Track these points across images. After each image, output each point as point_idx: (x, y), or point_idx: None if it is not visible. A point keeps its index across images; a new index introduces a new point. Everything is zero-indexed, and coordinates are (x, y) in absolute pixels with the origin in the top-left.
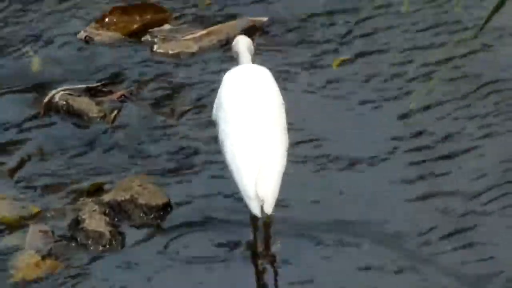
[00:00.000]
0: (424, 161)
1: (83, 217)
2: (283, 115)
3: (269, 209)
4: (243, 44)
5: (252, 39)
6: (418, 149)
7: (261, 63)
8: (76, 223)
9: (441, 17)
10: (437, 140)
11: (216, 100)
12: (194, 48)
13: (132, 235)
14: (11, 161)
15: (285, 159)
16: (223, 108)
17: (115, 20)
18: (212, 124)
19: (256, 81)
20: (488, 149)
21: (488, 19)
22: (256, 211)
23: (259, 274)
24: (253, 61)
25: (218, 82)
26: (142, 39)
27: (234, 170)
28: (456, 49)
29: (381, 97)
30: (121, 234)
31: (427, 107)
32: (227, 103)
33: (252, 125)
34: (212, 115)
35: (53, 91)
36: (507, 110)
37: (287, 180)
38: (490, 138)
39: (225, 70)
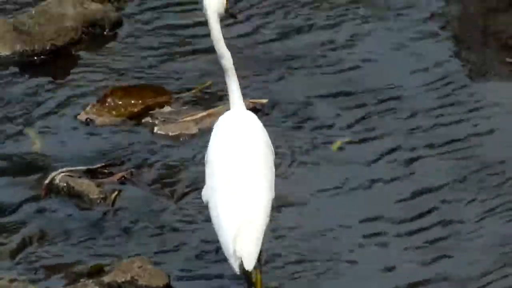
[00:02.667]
0: (423, 244)
1: None
2: (271, 166)
3: (248, 266)
4: (213, 7)
5: None
6: (417, 231)
7: None
8: None
9: (444, 99)
10: (436, 223)
11: (206, 154)
12: (194, 129)
13: None
14: (12, 243)
15: (268, 215)
16: (209, 162)
17: (115, 101)
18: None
19: (244, 132)
20: (487, 231)
21: None
22: (235, 268)
23: None
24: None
25: None
26: (143, 120)
27: (216, 227)
28: (459, 129)
29: (381, 180)
30: None
31: (427, 190)
32: (213, 158)
33: (236, 180)
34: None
35: (54, 173)
36: (508, 191)
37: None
38: (491, 219)
39: None
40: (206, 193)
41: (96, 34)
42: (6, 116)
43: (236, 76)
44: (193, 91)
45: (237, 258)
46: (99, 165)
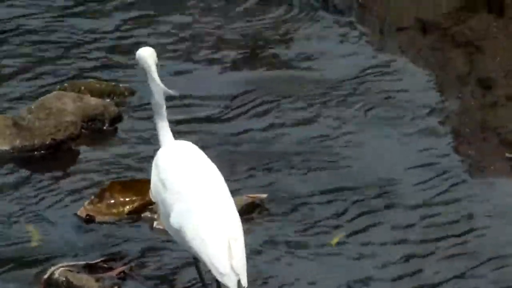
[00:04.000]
0: None
1: None
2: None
3: (245, 281)
4: (148, 56)
5: (252, 217)
6: None
7: (260, 239)
8: None
9: (443, 195)
10: None
11: (155, 183)
12: None
13: None
14: None
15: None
16: (172, 190)
17: (114, 197)
18: None
19: (192, 156)
20: None
21: None
22: (233, 285)
23: None
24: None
25: None
26: (142, 215)
27: (201, 249)
28: (457, 226)
29: (380, 276)
30: None
31: (425, 287)
32: (176, 185)
33: (210, 202)
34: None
35: (53, 268)
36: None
37: None
38: None
39: None
40: (178, 220)
41: (96, 128)
42: (5, 211)
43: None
44: None
45: (236, 274)
46: (98, 260)
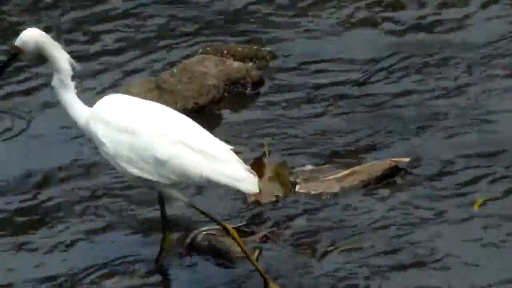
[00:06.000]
0: None
1: None
2: None
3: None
4: (42, 35)
5: (394, 181)
6: None
7: (403, 203)
8: None
9: None
10: None
11: (115, 138)
12: (336, 188)
13: None
14: None
15: None
16: (146, 131)
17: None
18: None
19: (133, 101)
20: None
21: None
22: (255, 187)
23: None
24: None
25: (361, 223)
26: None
27: (212, 167)
28: None
29: None
30: None
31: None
32: (148, 124)
33: (187, 126)
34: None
35: (195, 232)
36: None
37: None
38: None
39: (368, 211)
40: (170, 153)
41: (238, 92)
42: None
43: None
44: (332, 148)
45: (254, 174)
46: (240, 224)
